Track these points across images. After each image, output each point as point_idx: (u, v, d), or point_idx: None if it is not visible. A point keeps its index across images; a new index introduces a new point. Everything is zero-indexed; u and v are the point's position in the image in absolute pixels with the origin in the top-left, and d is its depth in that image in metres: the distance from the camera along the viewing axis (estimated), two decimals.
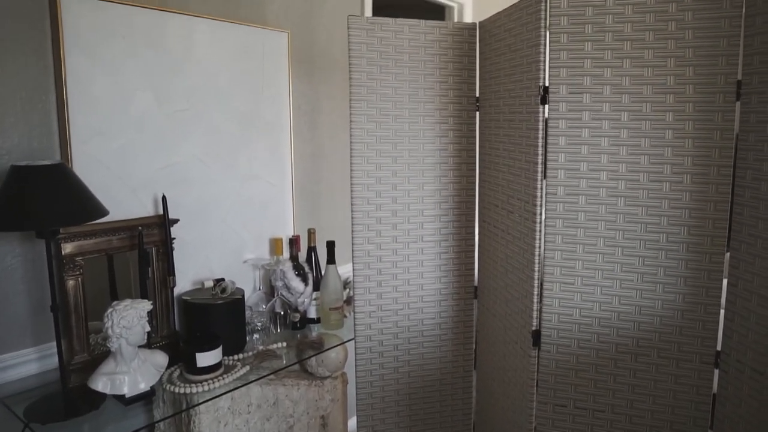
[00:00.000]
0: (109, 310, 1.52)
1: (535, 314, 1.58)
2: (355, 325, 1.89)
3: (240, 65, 2.07)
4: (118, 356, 1.54)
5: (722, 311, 1.46)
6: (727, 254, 1.43)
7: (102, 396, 1.56)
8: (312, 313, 2.11)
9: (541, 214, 1.54)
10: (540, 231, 1.55)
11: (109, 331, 1.51)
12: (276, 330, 2.07)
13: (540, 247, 1.55)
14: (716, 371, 1.47)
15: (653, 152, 1.45)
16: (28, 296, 1.63)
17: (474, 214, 1.94)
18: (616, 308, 1.52)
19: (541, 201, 1.54)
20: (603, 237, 1.51)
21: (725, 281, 1.44)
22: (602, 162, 1.48)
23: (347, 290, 2.21)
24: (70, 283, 1.62)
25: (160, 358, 1.66)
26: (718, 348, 1.47)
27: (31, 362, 1.64)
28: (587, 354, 1.56)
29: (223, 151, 2.04)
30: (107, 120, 1.73)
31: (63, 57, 1.61)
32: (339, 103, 2.48)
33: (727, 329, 1.44)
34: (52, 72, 1.63)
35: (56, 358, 1.59)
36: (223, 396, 1.71)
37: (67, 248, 1.61)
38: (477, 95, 1.90)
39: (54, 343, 1.63)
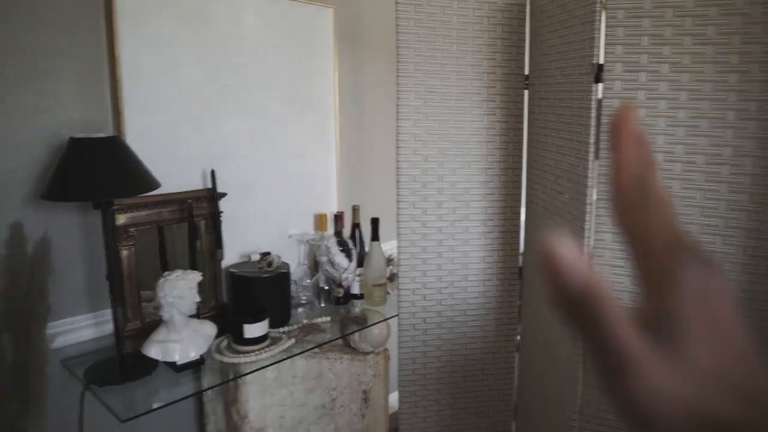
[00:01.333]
0: (162, 280, 1.57)
1: None
2: (399, 301, 1.90)
3: (286, 41, 2.07)
4: (170, 325, 1.60)
5: None
6: None
7: (154, 362, 1.62)
8: (355, 289, 2.13)
9: (591, 195, 1.51)
10: (590, 213, 1.51)
11: (162, 301, 1.56)
12: (320, 304, 2.10)
13: (590, 228, 1.52)
14: None
15: (713, 134, 1.39)
16: (84, 265, 1.69)
17: (520, 193, 1.91)
18: None
19: (593, 182, 1.50)
20: None
21: None
22: (658, 143, 1.44)
23: (390, 267, 2.22)
24: (124, 253, 1.67)
25: (209, 329, 1.71)
26: None
27: (88, 327, 1.71)
28: None
29: (270, 126, 2.06)
30: (158, 95, 1.76)
31: (116, 34, 1.64)
32: (383, 78, 2.47)
33: None
34: (106, 49, 1.67)
35: (111, 325, 1.66)
36: (269, 367, 1.75)
37: (121, 219, 1.66)
38: (526, 73, 1.86)
39: (108, 310, 1.70)
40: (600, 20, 1.42)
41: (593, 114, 1.47)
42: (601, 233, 1.52)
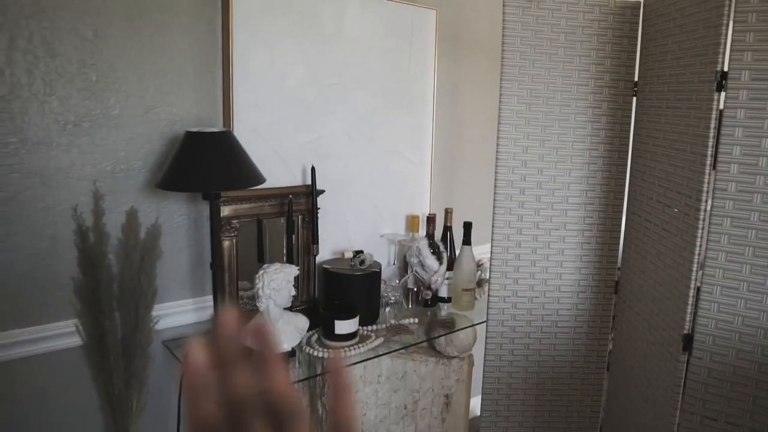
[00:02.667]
0: (261, 272, 1.62)
1: (688, 317, 1.47)
2: (488, 308, 1.87)
3: (388, 42, 2.09)
4: (266, 315, 1.64)
5: None
6: None
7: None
8: (443, 292, 2.12)
9: (705, 210, 1.42)
10: (703, 228, 1.43)
11: (260, 292, 1.60)
12: (408, 305, 2.10)
13: (701, 245, 1.44)
14: None
15: None
16: (188, 252, 1.78)
17: (622, 204, 1.83)
18: None
19: (707, 196, 1.42)
20: None
21: None
22: None
23: (479, 272, 2.20)
24: (226, 243, 1.74)
25: (302, 322, 1.75)
26: None
27: (188, 312, 1.80)
28: (747, 367, 1.43)
29: (368, 126, 2.08)
30: (264, 93, 1.82)
31: (231, 33, 1.71)
32: (482, 81, 2.44)
33: None
34: (220, 47, 1.74)
35: (209, 311, 1.73)
36: (357, 364, 1.77)
37: (225, 211, 1.73)
38: (635, 79, 1.78)
39: (207, 297, 1.78)
40: (728, 24, 1.34)
41: (713, 125, 1.39)
42: (713, 251, 1.43)
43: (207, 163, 1.49)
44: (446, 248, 2.11)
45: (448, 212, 2.16)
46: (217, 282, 1.65)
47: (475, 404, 2.27)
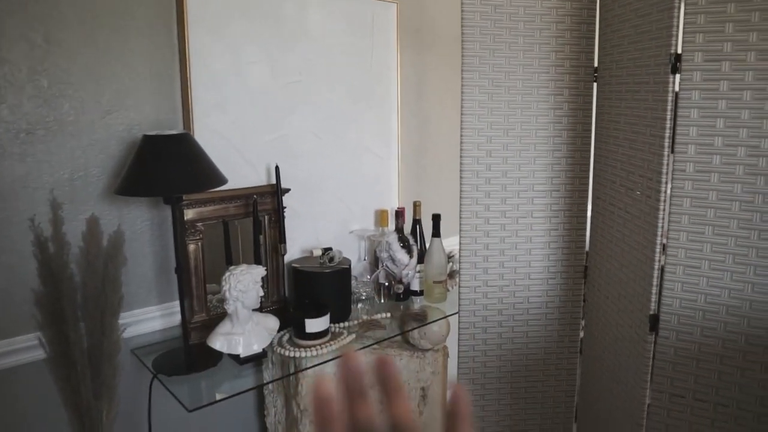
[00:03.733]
0: (227, 274, 1.60)
1: (653, 298, 1.49)
2: (459, 299, 1.88)
3: (350, 37, 2.08)
4: (234, 318, 1.63)
5: None
6: None
7: (219, 354, 1.66)
8: (415, 286, 2.12)
9: (666, 191, 1.44)
10: (664, 210, 1.45)
11: (227, 294, 1.58)
12: (380, 300, 2.10)
13: (663, 227, 1.46)
14: None
15: None
16: (154, 258, 1.75)
17: (587, 190, 1.85)
18: (749, 296, 1.40)
19: (667, 178, 1.43)
20: (737, 218, 1.39)
21: None
22: (741, 136, 1.36)
23: (450, 264, 2.20)
24: (191, 247, 1.72)
25: (272, 322, 1.73)
26: None
27: (155, 319, 1.77)
28: (712, 343, 1.46)
29: (333, 123, 2.07)
30: (227, 93, 1.79)
31: (187, 35, 1.68)
32: (446, 73, 2.44)
33: None
34: (177, 49, 1.71)
35: (177, 317, 1.70)
36: (330, 362, 1.76)
37: (189, 214, 1.70)
38: (595, 65, 1.79)
39: (175, 302, 1.75)
40: (680, 7, 1.35)
41: (669, 107, 1.40)
42: (675, 231, 1.45)
43: (166, 167, 1.47)
44: (416, 241, 2.11)
45: (416, 205, 2.16)
46: (183, 287, 1.62)
47: None
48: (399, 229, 2.12)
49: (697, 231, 1.43)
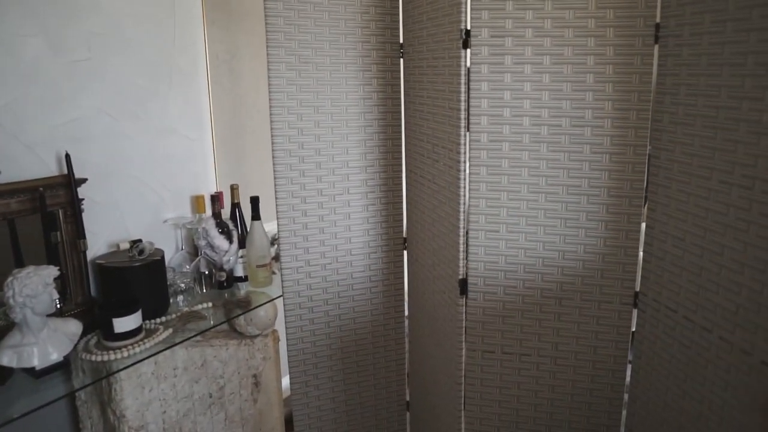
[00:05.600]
0: (10, 279, 1.41)
1: (461, 263, 1.58)
2: (282, 281, 1.84)
3: (147, 9, 1.91)
4: (24, 327, 1.44)
5: (641, 254, 1.49)
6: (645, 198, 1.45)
7: (9, 370, 1.46)
8: (239, 272, 2.04)
9: (465, 162, 1.52)
10: (464, 179, 1.52)
11: (11, 301, 1.40)
12: (201, 290, 2.00)
13: (465, 195, 1.53)
14: (635, 311, 1.52)
15: (575, 97, 1.43)
16: None
17: (401, 164, 1.90)
18: (541, 254, 1.53)
19: (465, 149, 1.51)
20: (527, 183, 1.50)
21: (643, 225, 1.47)
22: (525, 107, 1.46)
23: (275, 247, 2.15)
24: None
25: (73, 327, 1.57)
26: (637, 289, 1.51)
27: None
28: (513, 300, 1.58)
29: (132, 103, 1.90)
30: None
31: None
32: (259, 51, 2.35)
33: (645, 270, 1.48)
34: None
35: None
36: (146, 361, 1.64)
37: None
38: (401, 41, 1.83)
39: None
40: None
41: (462, 80, 1.47)
42: (475, 199, 1.54)
43: None
44: (236, 226, 2.03)
45: (234, 189, 2.07)
46: None
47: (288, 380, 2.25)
48: (216, 215, 2.02)
49: (494, 197, 1.53)
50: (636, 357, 1.53)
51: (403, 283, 1.98)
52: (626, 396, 1.58)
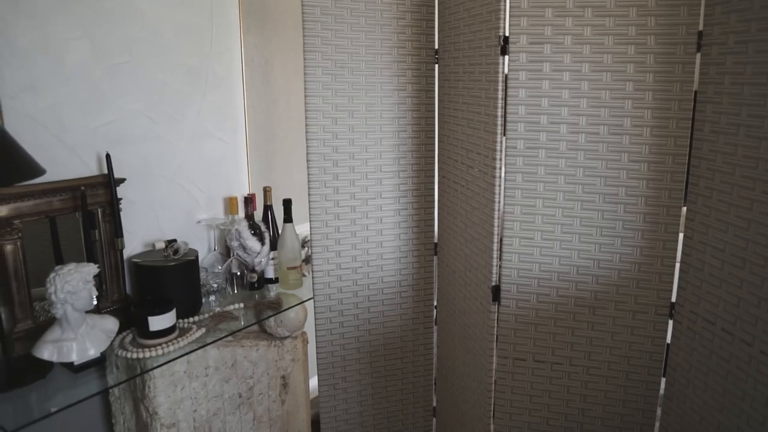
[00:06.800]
0: (52, 275, 1.44)
1: (494, 270, 1.57)
2: (313, 284, 1.85)
3: (186, 16, 1.95)
4: (64, 323, 1.47)
5: (677, 264, 1.47)
6: (684, 208, 1.43)
7: (49, 364, 1.50)
8: (270, 273, 2.06)
9: (500, 168, 1.51)
10: (499, 186, 1.52)
11: (53, 297, 1.43)
12: (233, 291, 2.02)
13: (500, 202, 1.53)
14: (670, 322, 1.50)
15: (614, 104, 1.42)
16: None
17: (433, 169, 1.90)
18: (575, 262, 1.52)
19: (501, 155, 1.51)
20: (563, 191, 1.49)
21: (681, 235, 1.45)
22: (562, 115, 1.46)
23: (305, 249, 2.17)
24: (8, 247, 1.53)
25: (110, 324, 1.59)
26: (673, 299, 1.49)
27: None
28: (546, 308, 1.57)
29: (170, 107, 1.94)
30: (40, 73, 1.60)
31: None
32: (293, 56, 2.38)
33: (682, 281, 1.46)
34: None
35: None
36: (179, 360, 1.66)
37: (2, 211, 1.51)
38: (436, 47, 1.83)
39: None
40: None
41: (500, 87, 1.47)
42: (510, 206, 1.53)
43: None
44: (268, 228, 2.05)
45: (266, 191, 2.10)
46: (1, 293, 1.44)
47: (316, 382, 2.26)
48: (249, 217, 2.05)
49: (529, 204, 1.52)
50: (671, 369, 1.51)
51: (432, 288, 1.98)
52: (659, 409, 1.56)
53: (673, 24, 1.36)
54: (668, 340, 1.52)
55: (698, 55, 1.36)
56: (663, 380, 1.54)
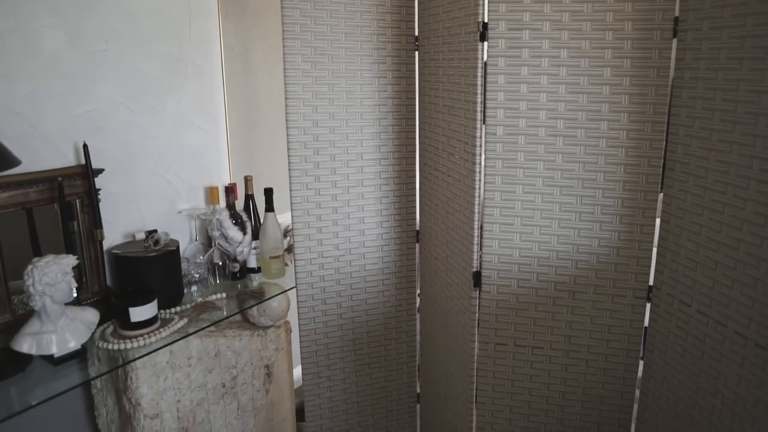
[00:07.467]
0: (30, 267, 1.43)
1: (475, 256, 1.58)
2: (296, 272, 1.85)
3: (164, 4, 1.92)
4: (43, 315, 1.46)
5: (654, 248, 1.49)
6: (661, 193, 1.45)
7: (28, 357, 1.49)
8: (252, 263, 2.06)
9: (480, 155, 1.52)
10: (480, 172, 1.53)
11: (31, 289, 1.42)
12: (215, 281, 2.01)
13: (480, 188, 1.54)
14: (648, 305, 1.52)
15: (591, 90, 1.43)
16: None
17: (414, 157, 1.90)
18: (555, 247, 1.54)
19: (481, 141, 1.51)
20: (542, 177, 1.50)
21: (658, 219, 1.47)
22: (541, 101, 1.46)
23: (288, 238, 2.16)
24: None
25: (90, 315, 1.58)
26: (650, 283, 1.51)
27: None
28: (527, 293, 1.58)
29: (148, 95, 1.91)
30: (12, 61, 1.57)
31: None
32: (274, 44, 2.36)
33: (659, 265, 1.48)
34: None
35: None
36: (161, 350, 1.66)
37: None
38: (416, 34, 1.83)
39: None
40: None
41: (479, 73, 1.47)
42: (490, 192, 1.54)
43: None
44: (250, 217, 2.04)
45: (248, 180, 2.09)
46: None
47: (300, 371, 2.27)
48: (231, 206, 2.04)
49: (509, 190, 1.53)
50: (649, 351, 1.53)
51: (414, 275, 1.99)
52: (637, 391, 1.58)
53: (650, 9, 1.37)
54: (646, 323, 1.54)
55: (674, 41, 1.37)
56: (641, 362, 1.56)
